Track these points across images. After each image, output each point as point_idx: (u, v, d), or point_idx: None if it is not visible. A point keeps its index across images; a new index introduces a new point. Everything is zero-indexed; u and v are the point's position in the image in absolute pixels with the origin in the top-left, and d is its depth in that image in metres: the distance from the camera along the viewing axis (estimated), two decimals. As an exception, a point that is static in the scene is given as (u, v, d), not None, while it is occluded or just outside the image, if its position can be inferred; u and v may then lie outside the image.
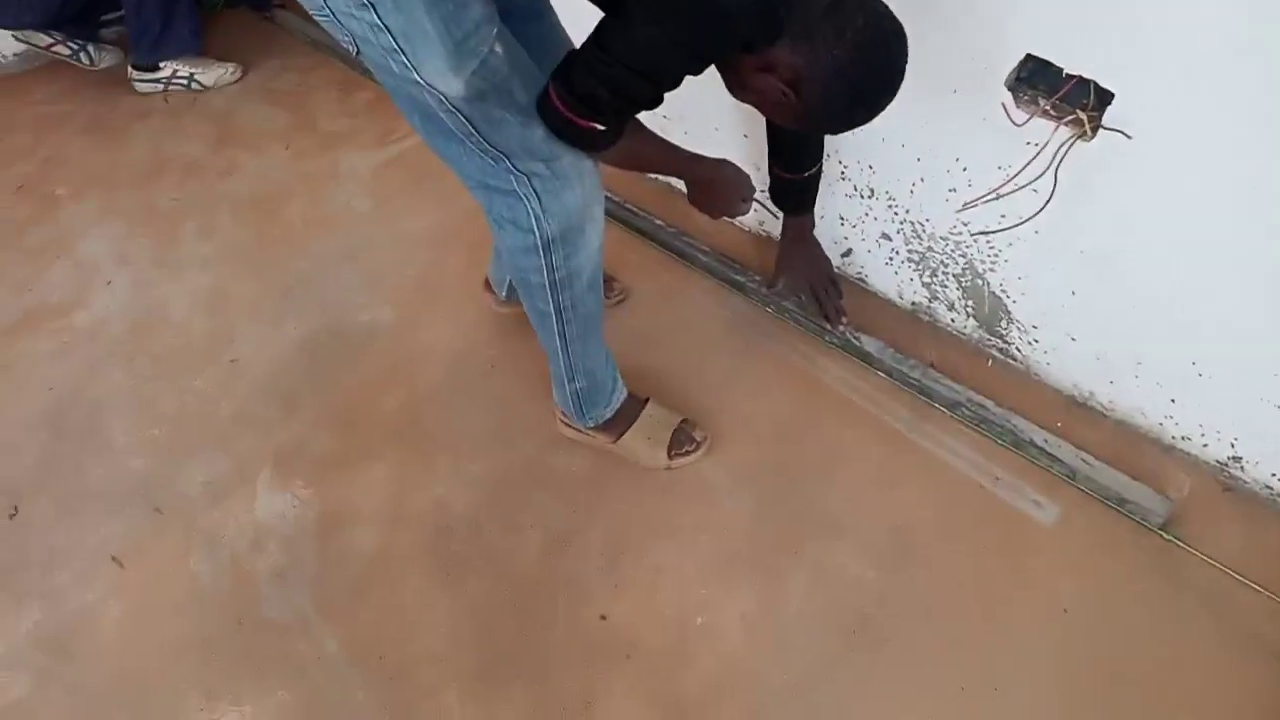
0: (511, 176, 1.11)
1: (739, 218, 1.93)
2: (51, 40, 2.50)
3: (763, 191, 1.54)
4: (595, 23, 1.03)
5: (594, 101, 1.02)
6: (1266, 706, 1.20)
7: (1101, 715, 1.20)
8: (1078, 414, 1.53)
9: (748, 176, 1.35)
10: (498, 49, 1.01)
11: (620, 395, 1.51)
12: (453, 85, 1.00)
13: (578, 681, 1.28)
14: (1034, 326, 1.53)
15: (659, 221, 1.93)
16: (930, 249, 1.60)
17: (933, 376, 1.57)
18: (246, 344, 1.81)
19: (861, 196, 1.64)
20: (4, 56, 2.61)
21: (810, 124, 1.11)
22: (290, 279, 1.94)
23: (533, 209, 1.14)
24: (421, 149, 2.24)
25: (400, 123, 2.34)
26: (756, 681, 1.26)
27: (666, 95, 1.05)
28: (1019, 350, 1.59)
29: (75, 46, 2.54)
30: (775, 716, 1.23)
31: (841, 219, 1.73)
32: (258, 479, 1.56)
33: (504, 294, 1.71)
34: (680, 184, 2.01)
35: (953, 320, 1.66)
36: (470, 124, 1.05)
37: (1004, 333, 1.59)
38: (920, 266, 1.64)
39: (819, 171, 1.53)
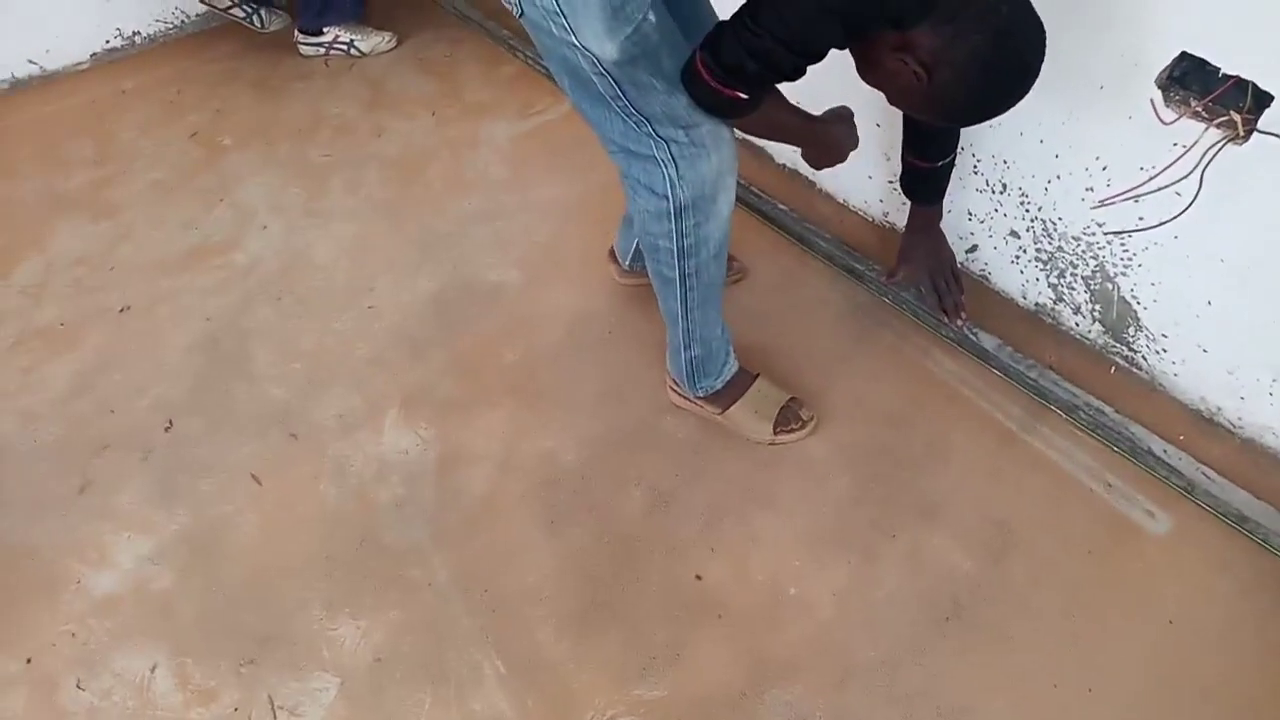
0: (651, 142, 1.16)
1: (863, 208, 1.94)
2: (230, 3, 2.69)
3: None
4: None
5: (740, 72, 1.05)
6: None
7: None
8: (1202, 429, 1.48)
9: (852, 116, 1.36)
10: (651, 17, 1.06)
11: (731, 368, 1.55)
12: (607, 49, 1.05)
13: (668, 634, 1.33)
14: (1163, 335, 1.49)
15: (782, 206, 1.96)
16: (1060, 249, 1.57)
17: (1050, 378, 1.56)
18: (384, 292, 1.92)
19: (993, 192, 1.63)
20: (187, 16, 2.82)
21: (936, 110, 1.10)
22: (427, 236, 2.05)
23: (669, 174, 1.19)
24: (558, 123, 2.35)
25: (540, 97, 2.44)
26: (842, 654, 1.29)
27: (808, 70, 1.09)
28: (1145, 359, 1.55)
29: (250, 9, 2.73)
30: (857, 688, 1.25)
31: (969, 214, 1.71)
32: (385, 416, 1.67)
33: (628, 263, 1.76)
34: (811, 173, 2.04)
35: (1077, 324, 1.63)
36: (618, 87, 1.10)
37: (1130, 340, 1.55)
38: (1048, 267, 1.61)
39: (951, 163, 1.52)
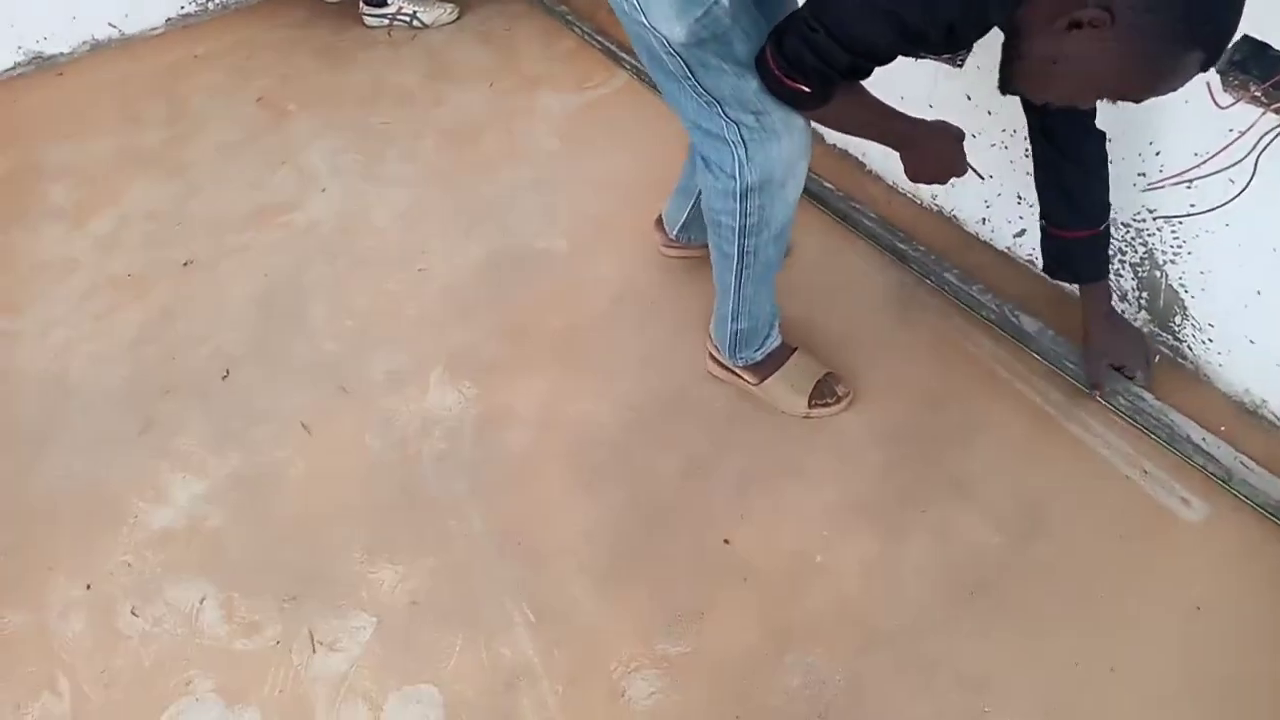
0: (722, 122, 1.18)
1: (912, 190, 1.93)
2: (300, -29, 2.76)
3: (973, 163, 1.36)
4: None
5: (800, 64, 1.06)
6: None
7: (1219, 715, 1.17)
8: (1245, 421, 1.46)
9: (963, 138, 1.27)
10: (723, 1, 1.06)
11: (774, 343, 1.56)
12: (675, 30, 1.07)
13: (695, 593, 1.36)
14: (1210, 325, 1.47)
15: (829, 185, 1.96)
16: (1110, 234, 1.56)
17: (1092, 364, 1.54)
18: (435, 256, 1.97)
19: (1043, 175, 1.61)
20: (258, -16, 2.91)
21: (1139, 61, 0.90)
22: (479, 203, 2.10)
23: (738, 156, 1.20)
24: (612, 98, 2.38)
25: (595, 71, 2.47)
26: (864, 622, 1.30)
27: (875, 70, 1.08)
28: (1190, 349, 1.53)
29: (318, -21, 2.80)
30: (879, 654, 1.27)
31: (1019, 197, 1.70)
32: (431, 374, 1.72)
33: (674, 234, 1.79)
34: (860, 153, 2.03)
35: (1123, 311, 1.61)
36: (687, 67, 1.12)
37: (1176, 329, 1.53)
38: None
39: (1109, 227, 1.41)
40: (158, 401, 1.71)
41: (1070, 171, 1.34)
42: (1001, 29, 0.99)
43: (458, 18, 2.78)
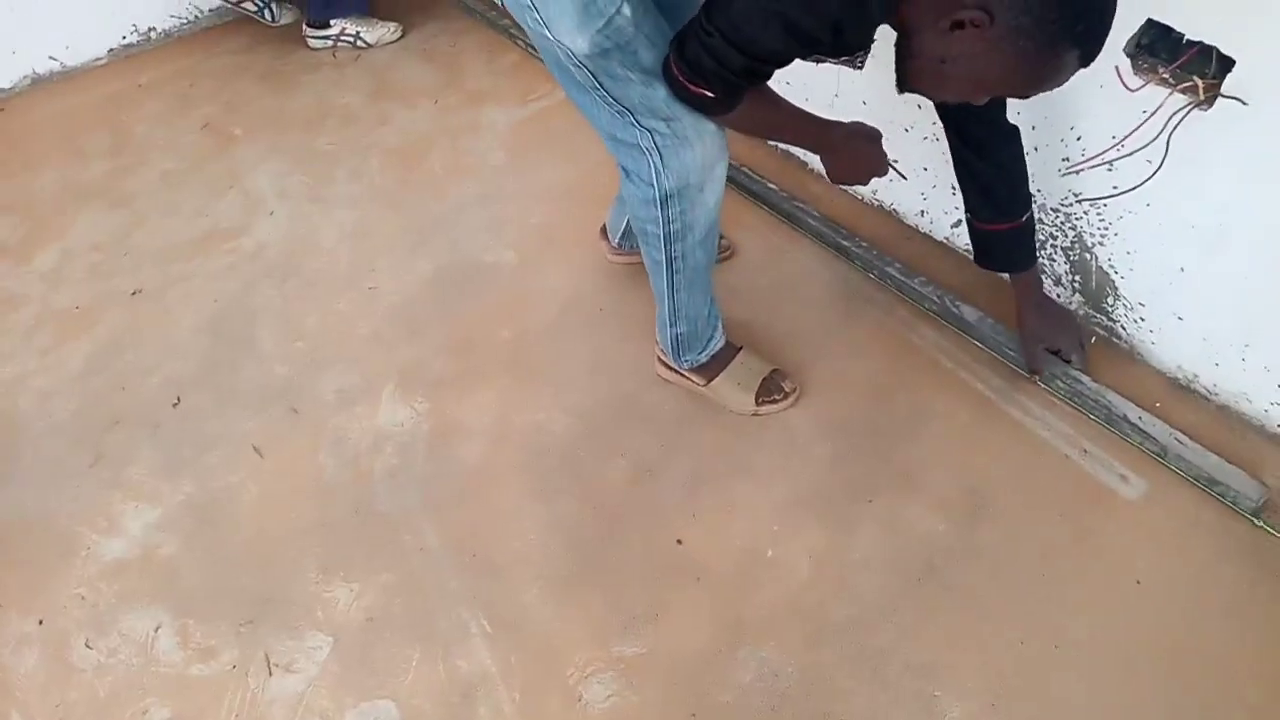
0: (635, 130, 1.18)
1: (853, 187, 1.96)
2: (242, -4, 2.76)
3: (896, 160, 1.43)
4: None
5: (701, 69, 1.07)
6: (1344, 698, 1.17)
7: (1162, 687, 1.20)
8: (1179, 396, 1.50)
9: (880, 139, 1.31)
10: (625, 10, 1.07)
11: (718, 344, 1.58)
12: (578, 42, 1.07)
13: (648, 595, 1.37)
14: (1140, 304, 1.51)
15: (771, 185, 1.99)
16: (1040, 221, 1.59)
17: (1030, 349, 1.57)
18: (383, 274, 1.98)
19: (974, 165, 1.65)
20: (201, 11, 2.89)
21: (1020, 58, 0.93)
22: (426, 220, 2.11)
23: (654, 163, 1.21)
24: (555, 109, 2.39)
25: (540, 83, 2.48)
26: (817, 614, 1.32)
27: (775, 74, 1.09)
28: (1124, 329, 1.56)
29: (261, 3, 2.79)
30: (830, 646, 1.28)
31: (954, 189, 1.73)
32: (383, 391, 1.72)
33: (617, 241, 1.80)
34: (803, 153, 2.06)
35: (1058, 295, 1.65)
36: (595, 79, 1.12)
37: (1110, 309, 1.57)
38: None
39: (1032, 217, 1.44)
40: (108, 432, 1.70)
41: (985, 169, 1.38)
42: (893, 28, 1.02)
43: (401, 36, 2.79)
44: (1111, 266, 1.51)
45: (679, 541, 1.43)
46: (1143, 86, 1.28)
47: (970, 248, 1.53)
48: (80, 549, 1.52)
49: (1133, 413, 1.45)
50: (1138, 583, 1.29)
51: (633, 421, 1.62)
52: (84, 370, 1.83)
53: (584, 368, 1.72)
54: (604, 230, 1.86)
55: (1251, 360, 1.38)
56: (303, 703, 1.30)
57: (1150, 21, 1.26)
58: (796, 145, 1.30)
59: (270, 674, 1.33)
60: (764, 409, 1.57)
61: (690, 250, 1.34)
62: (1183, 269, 1.40)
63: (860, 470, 1.49)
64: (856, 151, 1.30)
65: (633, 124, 1.18)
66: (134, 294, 1.99)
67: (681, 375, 1.61)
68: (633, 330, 1.76)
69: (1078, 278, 1.59)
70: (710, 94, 1.10)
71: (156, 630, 1.40)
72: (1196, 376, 1.48)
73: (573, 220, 2.04)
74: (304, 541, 1.50)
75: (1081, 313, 1.62)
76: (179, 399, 1.76)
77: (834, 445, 1.53)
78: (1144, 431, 1.43)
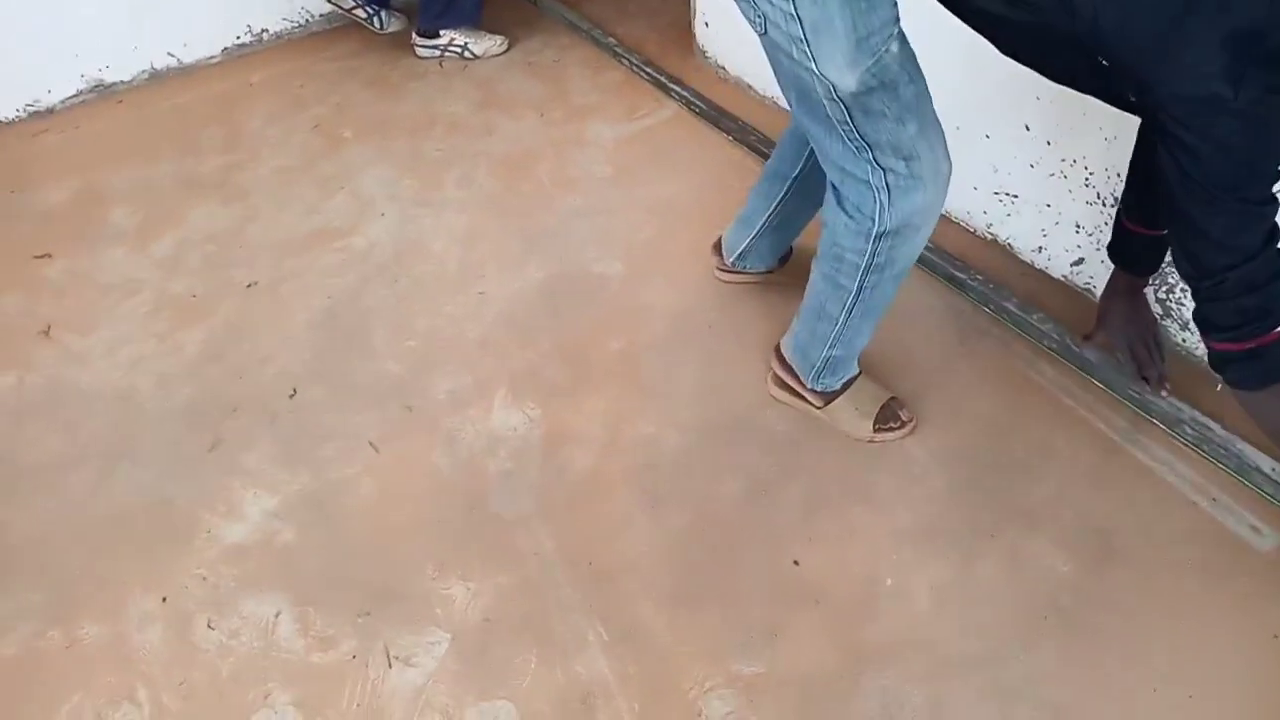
0: (869, 168, 1.19)
1: (965, 219, 1.95)
2: (354, 4, 2.83)
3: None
4: None
5: (1245, 321, 1.14)
6: None
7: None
8: (1313, 450, 1.47)
9: None
10: (893, 48, 1.08)
11: (850, 375, 1.58)
12: (846, 79, 1.07)
13: (766, 615, 1.37)
14: (1276, 353, 1.48)
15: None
16: (1172, 266, 1.57)
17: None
18: (493, 280, 2.01)
19: (1103, 204, 1.64)
20: (311, 16, 2.98)
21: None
22: (534, 229, 2.14)
23: (880, 200, 1.21)
24: (661, 127, 2.42)
25: (644, 102, 2.51)
26: (939, 647, 1.31)
27: None
28: (1255, 377, 1.53)
29: (371, 11, 2.87)
30: (954, 681, 1.27)
31: (1078, 226, 1.72)
32: (495, 396, 1.74)
33: (731, 260, 1.82)
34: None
35: (1184, 340, 1.63)
36: (848, 114, 1.13)
37: (1240, 357, 1.54)
38: (1157, 281, 1.61)
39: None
40: (226, 419, 1.74)
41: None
42: None
43: (507, 49, 2.84)
44: (1247, 313, 1.49)
45: (796, 562, 1.43)
46: None
47: (1094, 284, 1.52)
48: (201, 531, 1.55)
49: (1265, 463, 1.42)
50: (1275, 637, 1.26)
51: (745, 439, 1.62)
52: (200, 357, 1.88)
53: (694, 383, 1.73)
54: (716, 245, 1.88)
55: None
56: (422, 697, 1.31)
57: None
58: None
59: (390, 666, 1.35)
60: (880, 436, 1.56)
61: (885, 283, 1.34)
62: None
63: (982, 504, 1.47)
64: None
65: (869, 161, 1.18)
66: (249, 286, 2.04)
67: (798, 396, 1.61)
68: (742, 348, 1.77)
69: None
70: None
71: (277, 616, 1.42)
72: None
73: (680, 236, 2.06)
74: (420, 537, 1.52)
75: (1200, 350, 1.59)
76: (295, 391, 1.79)
77: (953, 477, 1.52)
78: (1277, 483, 1.40)
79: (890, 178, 1.18)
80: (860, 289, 1.35)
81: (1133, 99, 1.11)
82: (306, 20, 2.99)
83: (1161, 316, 1.64)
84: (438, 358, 1.84)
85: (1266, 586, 1.32)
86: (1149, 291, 1.60)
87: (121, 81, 2.75)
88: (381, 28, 2.91)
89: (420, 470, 1.62)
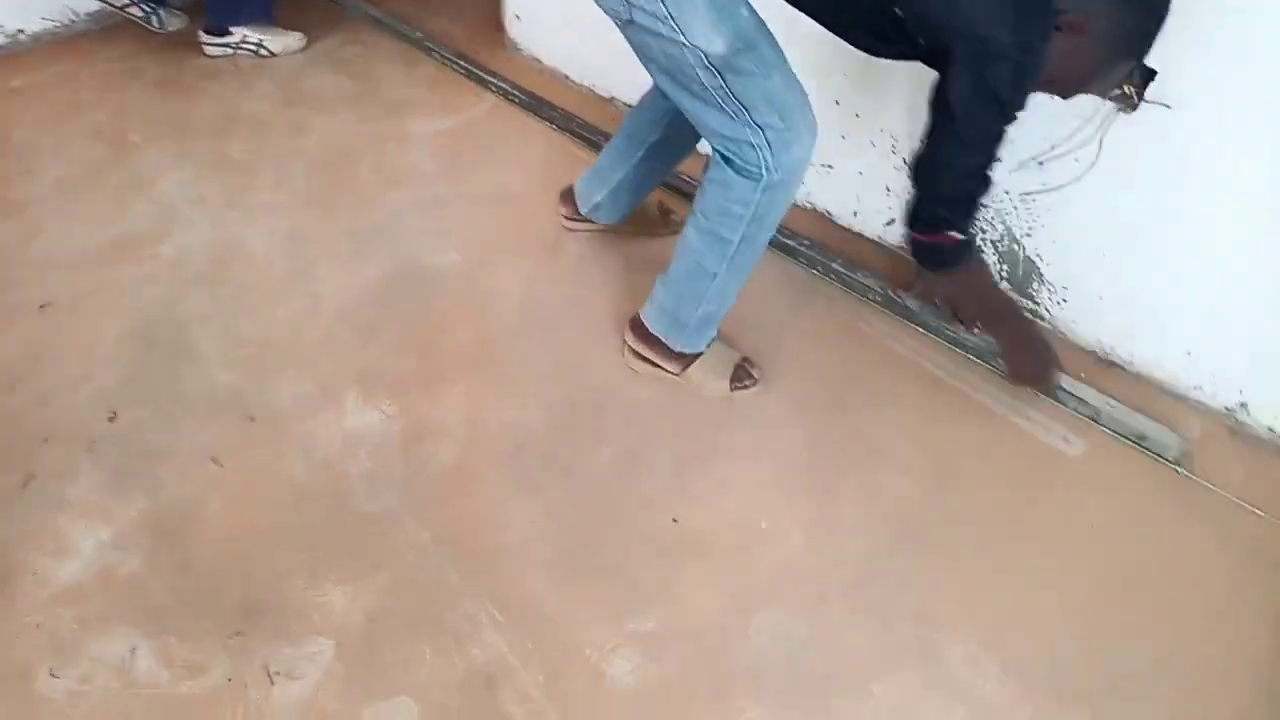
0: (749, 130, 1.28)
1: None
2: (128, 1, 2.62)
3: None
4: None
5: (938, 222, 1.38)
6: (1264, 610, 1.35)
7: (1121, 613, 1.35)
8: (1101, 368, 1.69)
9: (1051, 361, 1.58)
10: (744, 11, 1.20)
11: (713, 336, 1.65)
12: (715, 43, 1.18)
13: (653, 573, 1.40)
14: (1064, 288, 1.69)
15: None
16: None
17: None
18: (325, 281, 1.92)
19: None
20: (76, 15, 2.72)
21: (1106, 60, 1.16)
22: (364, 226, 2.06)
23: (764, 158, 1.31)
24: (483, 120, 2.41)
25: (461, 95, 2.49)
26: (817, 577, 1.39)
27: None
28: (1048, 310, 1.74)
29: (148, 9, 2.66)
30: (834, 607, 1.36)
31: (887, 189, 1.88)
32: (345, 397, 1.67)
33: (585, 210, 1.90)
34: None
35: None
36: (722, 78, 1.22)
37: (1034, 294, 1.74)
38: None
39: None
40: (37, 450, 1.57)
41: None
42: None
43: (306, 46, 2.72)
44: (1038, 256, 1.69)
45: (674, 520, 1.47)
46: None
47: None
48: (25, 574, 1.39)
49: (1066, 382, 1.62)
50: (1092, 526, 1.45)
51: (609, 411, 1.65)
52: (-3, 387, 1.68)
53: (550, 363, 1.74)
54: (565, 195, 1.95)
55: (1164, 333, 1.58)
56: (313, 708, 1.24)
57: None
58: (990, 323, 1.59)
59: (272, 683, 1.27)
60: (737, 394, 1.64)
61: (759, 234, 1.43)
62: (1105, 255, 1.59)
63: (834, 445, 1.58)
64: (1035, 341, 1.59)
65: (748, 124, 1.27)
66: (42, 307, 1.85)
67: (654, 364, 1.66)
68: (594, 325, 1.80)
69: (1005, 267, 1.76)
70: (961, 235, 1.38)
71: (133, 651, 1.30)
72: (1114, 349, 1.68)
73: (515, 223, 2.06)
74: (284, 548, 1.44)
75: (1008, 298, 1.79)
76: (115, 414, 1.64)
77: (806, 425, 1.62)
78: (1078, 398, 1.60)
79: (770, 134, 1.28)
80: (743, 239, 1.42)
81: (922, 43, 1.28)
82: (71, 20, 2.72)
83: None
84: (275, 363, 1.74)
85: (1080, 485, 1.51)
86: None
87: None
88: (160, 26, 2.72)
89: (273, 480, 1.53)
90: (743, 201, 1.37)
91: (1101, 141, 1.45)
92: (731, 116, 1.26)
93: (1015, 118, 1.21)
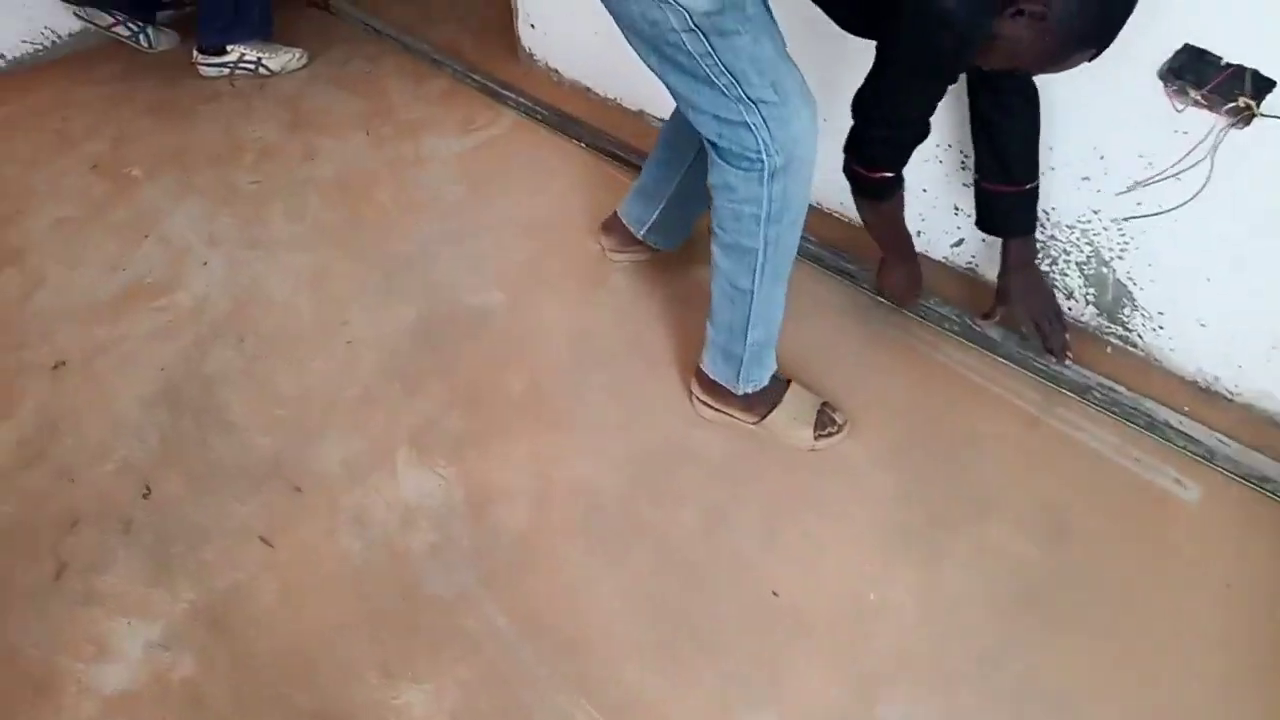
0: (742, 107, 1.17)
1: (840, 210, 1.97)
2: (113, 20, 2.45)
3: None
4: None
5: (875, 159, 1.30)
6: None
7: (1268, 682, 1.25)
8: (1203, 399, 1.58)
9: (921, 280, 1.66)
10: None
11: (774, 367, 1.53)
12: (699, 0, 1.08)
13: (759, 654, 1.29)
14: (1160, 313, 1.59)
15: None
16: (1053, 238, 1.65)
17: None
18: (359, 325, 1.79)
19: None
20: (59, 36, 2.55)
21: (1070, 41, 1.07)
22: (392, 262, 1.93)
23: (762, 139, 1.19)
24: (506, 138, 2.27)
25: (480, 111, 2.35)
26: (940, 657, 1.28)
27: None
28: (1140, 337, 1.64)
29: (136, 28, 2.50)
30: (965, 691, 1.25)
31: (956, 208, 1.77)
32: (396, 457, 1.55)
33: (642, 234, 1.78)
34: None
35: (1070, 308, 1.71)
36: (707, 40, 1.11)
37: (1126, 319, 1.64)
38: (1039, 256, 1.68)
39: (1037, 187, 1.50)
40: (67, 536, 1.43)
41: (1005, 129, 1.44)
42: None
43: (307, 63, 2.56)
44: (1130, 279, 1.58)
45: (775, 594, 1.36)
46: (1185, 109, 1.34)
47: (975, 264, 1.65)
48: (67, 685, 1.26)
49: (1173, 418, 1.52)
50: (1228, 586, 1.34)
51: (685, 465, 1.53)
52: (15, 463, 1.54)
53: (614, 412, 1.62)
54: (609, 224, 1.84)
55: (1277, 360, 1.48)
56: (405, 831, 1.13)
57: (1186, 46, 1.32)
58: (884, 243, 1.58)
59: (356, 802, 1.15)
60: (822, 443, 1.53)
61: (785, 232, 1.32)
62: (1209, 279, 1.48)
63: (932, 498, 1.47)
64: (916, 275, 1.64)
65: (740, 98, 1.17)
66: (55, 367, 1.70)
67: (726, 414, 1.55)
68: (654, 366, 1.68)
69: (1092, 290, 1.65)
70: (890, 173, 1.31)
71: (196, 770, 1.18)
72: (1218, 379, 1.57)
73: (557, 251, 1.93)
74: (350, 640, 1.31)
75: (1095, 323, 1.69)
76: (149, 488, 1.50)
77: (898, 474, 1.51)
78: (1187, 435, 1.50)
79: (764, 109, 1.17)
80: (766, 243, 1.31)
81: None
82: (54, 41, 2.55)
83: (1046, 287, 1.71)
84: (316, 423, 1.61)
85: (1205, 537, 1.40)
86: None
87: None
88: (150, 46, 2.55)
89: (330, 560, 1.41)
90: (752, 200, 1.26)
91: (1213, 162, 1.34)
92: (723, 91, 1.16)
93: (963, 35, 1.10)
